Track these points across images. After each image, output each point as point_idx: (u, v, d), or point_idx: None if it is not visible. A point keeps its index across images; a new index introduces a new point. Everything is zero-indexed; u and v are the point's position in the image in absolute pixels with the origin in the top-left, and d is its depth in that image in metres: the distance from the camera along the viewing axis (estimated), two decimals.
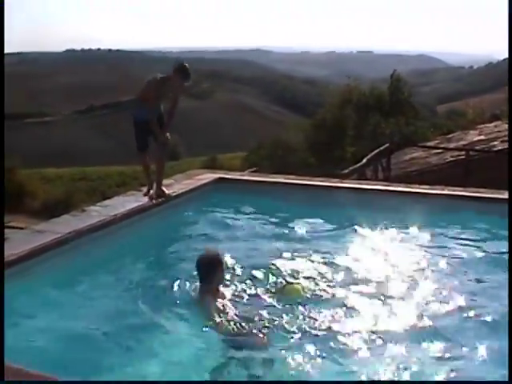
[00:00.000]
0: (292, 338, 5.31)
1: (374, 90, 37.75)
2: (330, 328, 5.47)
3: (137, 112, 9.15)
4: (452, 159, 17.26)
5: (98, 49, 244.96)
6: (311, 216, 9.04)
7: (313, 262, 7.20)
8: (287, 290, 6.11)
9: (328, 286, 6.41)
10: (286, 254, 7.47)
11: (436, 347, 5.18)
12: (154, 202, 9.02)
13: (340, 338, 5.29)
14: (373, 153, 18.27)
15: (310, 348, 5.09)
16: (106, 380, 4.34)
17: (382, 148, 18.49)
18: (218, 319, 5.39)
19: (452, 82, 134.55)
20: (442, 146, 20.10)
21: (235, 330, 5.32)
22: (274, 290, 6.12)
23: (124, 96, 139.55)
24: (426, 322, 5.61)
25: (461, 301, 6.01)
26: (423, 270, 6.89)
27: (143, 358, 5.06)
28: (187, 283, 6.28)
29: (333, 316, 5.67)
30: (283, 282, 6.33)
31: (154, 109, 8.91)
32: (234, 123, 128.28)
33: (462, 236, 8.08)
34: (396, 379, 4.78)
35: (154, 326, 5.53)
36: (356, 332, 5.40)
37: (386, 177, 17.29)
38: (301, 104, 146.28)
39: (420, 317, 5.71)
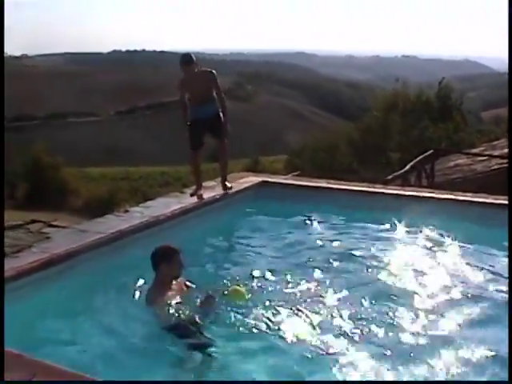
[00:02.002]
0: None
1: (422, 96, 37.40)
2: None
3: (191, 112, 9.22)
4: (497, 167, 16.96)
5: (143, 50, 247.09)
6: (354, 221, 8.96)
7: (354, 266, 7.17)
8: (230, 292, 6.04)
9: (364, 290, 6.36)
10: (326, 259, 7.44)
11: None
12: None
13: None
14: (417, 159, 18.08)
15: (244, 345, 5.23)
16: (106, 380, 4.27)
17: (426, 154, 18.27)
18: (158, 308, 5.70)
19: (497, 87, 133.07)
20: (487, 153, 19.79)
21: (173, 320, 5.56)
22: (224, 292, 6.10)
23: (168, 97, 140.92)
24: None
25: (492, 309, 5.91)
26: (460, 279, 6.76)
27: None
28: (222, 287, 6.29)
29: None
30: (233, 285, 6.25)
31: (206, 106, 9.09)
32: (277, 126, 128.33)
33: (506, 245, 7.90)
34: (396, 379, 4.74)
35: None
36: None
37: (429, 183, 17.08)
38: (344, 108, 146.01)
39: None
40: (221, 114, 9.22)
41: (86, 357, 5.00)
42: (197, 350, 5.19)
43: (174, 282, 6.12)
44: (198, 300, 5.94)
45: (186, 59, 9.07)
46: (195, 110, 9.14)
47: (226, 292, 6.07)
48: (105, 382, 4.10)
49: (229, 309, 5.84)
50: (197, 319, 5.58)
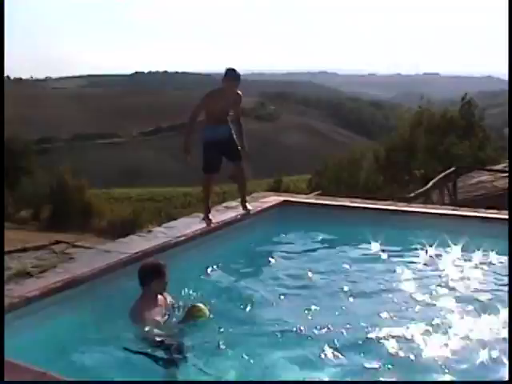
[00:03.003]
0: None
1: (447, 113, 37.31)
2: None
3: (204, 132, 9.13)
4: None
5: (165, 71, 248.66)
6: (376, 240, 8.93)
7: (378, 285, 7.15)
8: (193, 311, 6.04)
9: (393, 310, 6.30)
10: (349, 279, 7.45)
11: None
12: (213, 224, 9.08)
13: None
14: (439, 176, 18.04)
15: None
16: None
17: (448, 171, 18.23)
18: (145, 324, 5.74)
19: None
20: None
21: (153, 334, 5.64)
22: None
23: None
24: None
25: None
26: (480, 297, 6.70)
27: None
28: (242, 308, 6.39)
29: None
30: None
31: (220, 127, 9.00)
32: (300, 145, 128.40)
33: None
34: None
35: None
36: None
37: (452, 200, 17.01)
38: (367, 126, 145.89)
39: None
40: (234, 136, 9.20)
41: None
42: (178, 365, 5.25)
43: (159, 297, 6.19)
44: (179, 314, 6.12)
45: (236, 75, 8.95)
46: (212, 129, 8.96)
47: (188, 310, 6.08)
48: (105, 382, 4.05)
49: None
50: (179, 334, 5.71)
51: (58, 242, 8.76)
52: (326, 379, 5.01)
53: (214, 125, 8.97)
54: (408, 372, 5.04)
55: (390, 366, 5.09)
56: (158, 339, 5.56)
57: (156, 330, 5.71)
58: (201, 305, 6.12)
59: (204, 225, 8.82)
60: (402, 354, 5.33)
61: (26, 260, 8.20)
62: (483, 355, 5.17)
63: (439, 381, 4.80)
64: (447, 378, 4.86)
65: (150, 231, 8.72)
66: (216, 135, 8.93)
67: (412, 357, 5.26)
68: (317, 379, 5.06)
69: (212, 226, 8.84)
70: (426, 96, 41.57)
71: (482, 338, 5.56)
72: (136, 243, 7.77)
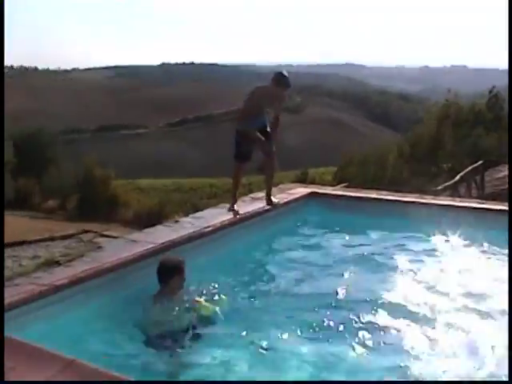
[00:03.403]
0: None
1: (475, 106, 37.03)
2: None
3: (240, 122, 9.15)
4: None
5: (192, 62, 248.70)
6: (403, 232, 8.90)
7: (403, 279, 7.11)
8: (200, 307, 5.98)
9: (417, 305, 6.28)
10: (377, 270, 7.46)
11: None
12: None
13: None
14: (466, 170, 17.94)
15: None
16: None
17: (475, 165, 18.12)
18: (154, 318, 5.77)
19: None
20: None
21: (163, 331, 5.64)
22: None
23: (217, 109, 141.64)
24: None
25: None
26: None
27: None
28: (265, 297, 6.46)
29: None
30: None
31: (257, 119, 8.93)
32: (326, 137, 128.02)
33: None
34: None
35: None
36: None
37: (479, 194, 16.93)
38: (394, 119, 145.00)
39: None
40: (268, 128, 9.21)
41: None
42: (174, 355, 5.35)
43: (176, 293, 6.18)
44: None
45: (286, 82, 8.98)
46: (249, 120, 8.97)
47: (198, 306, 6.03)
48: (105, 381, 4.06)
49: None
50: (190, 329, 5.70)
51: (85, 232, 8.83)
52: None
53: (251, 116, 8.98)
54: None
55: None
56: (160, 332, 5.61)
57: (161, 323, 5.73)
58: (202, 301, 6.07)
59: (231, 215, 8.83)
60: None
61: (54, 249, 8.28)
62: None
63: (439, 381, 4.75)
64: (447, 377, 4.82)
65: (176, 221, 8.74)
66: (251, 125, 8.93)
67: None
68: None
69: (239, 216, 8.84)
70: (453, 89, 41.25)
71: None
72: (163, 233, 7.79)
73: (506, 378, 4.51)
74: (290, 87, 9.03)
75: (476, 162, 18.47)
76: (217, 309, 6.00)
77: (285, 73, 9.00)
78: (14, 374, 4.03)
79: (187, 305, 6.08)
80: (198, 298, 6.08)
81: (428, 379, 4.84)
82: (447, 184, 17.46)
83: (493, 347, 5.21)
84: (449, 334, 5.60)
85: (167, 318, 5.77)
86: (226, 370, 5.06)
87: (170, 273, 6.13)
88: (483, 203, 10.01)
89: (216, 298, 6.30)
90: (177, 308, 5.96)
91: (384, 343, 5.47)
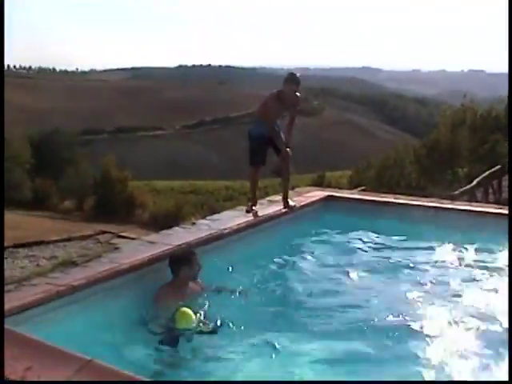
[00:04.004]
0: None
1: (492, 111, 36.84)
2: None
3: (254, 127, 9.15)
4: None
5: (209, 65, 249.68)
6: (421, 237, 8.86)
7: (421, 284, 7.05)
8: (178, 315, 5.77)
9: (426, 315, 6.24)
10: (391, 273, 7.45)
11: None
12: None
13: None
14: (483, 175, 17.86)
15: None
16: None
17: (492, 170, 18.04)
18: (159, 305, 5.99)
19: None
20: None
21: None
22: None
23: (233, 111, 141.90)
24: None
25: None
26: None
27: None
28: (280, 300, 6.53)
29: None
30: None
31: (272, 122, 8.91)
32: (343, 141, 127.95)
33: None
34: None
35: None
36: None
37: (496, 199, 16.85)
38: (411, 123, 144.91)
39: None
40: (281, 133, 9.18)
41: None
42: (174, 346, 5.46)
43: (190, 284, 6.37)
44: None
45: (296, 79, 8.91)
46: (264, 125, 8.96)
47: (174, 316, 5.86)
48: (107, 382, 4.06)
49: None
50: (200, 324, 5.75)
51: (103, 233, 8.85)
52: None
53: (266, 120, 8.95)
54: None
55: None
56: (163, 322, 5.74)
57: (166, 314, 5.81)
58: (186, 310, 5.82)
59: (248, 218, 8.83)
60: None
61: (72, 249, 8.31)
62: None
63: (439, 381, 4.74)
64: (447, 377, 4.80)
65: (193, 223, 8.74)
66: (266, 131, 8.93)
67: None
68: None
69: (257, 219, 8.85)
70: (470, 93, 41.05)
71: None
72: (180, 235, 7.79)
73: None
74: (299, 83, 8.99)
75: (493, 167, 18.37)
76: (195, 324, 5.74)
77: (294, 73, 9.03)
78: (30, 373, 4.03)
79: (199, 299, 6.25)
80: (184, 309, 5.84)
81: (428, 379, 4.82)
82: (464, 189, 17.39)
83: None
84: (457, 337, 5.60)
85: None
86: (228, 369, 5.15)
87: (179, 263, 6.33)
88: (500, 208, 9.94)
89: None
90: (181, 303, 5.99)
91: (398, 348, 5.45)
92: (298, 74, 8.99)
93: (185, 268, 6.31)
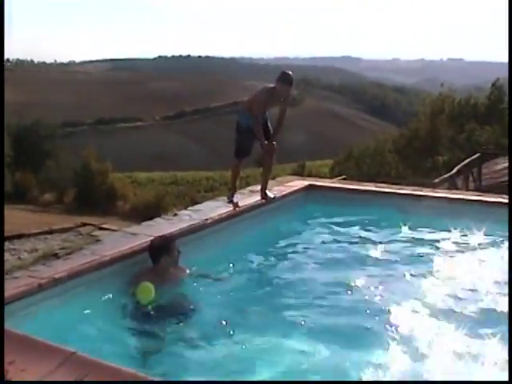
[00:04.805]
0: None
1: (470, 99, 37.05)
2: None
3: (242, 118, 9.09)
4: None
5: (188, 55, 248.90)
6: (402, 225, 8.92)
7: (400, 272, 7.13)
8: (140, 289, 6.05)
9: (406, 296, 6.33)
10: (373, 263, 7.50)
11: None
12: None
13: None
14: (463, 162, 17.97)
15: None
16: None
17: (472, 157, 18.17)
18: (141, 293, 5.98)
19: None
20: None
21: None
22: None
23: (214, 102, 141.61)
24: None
25: None
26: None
27: None
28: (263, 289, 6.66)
29: None
30: None
31: (259, 116, 8.88)
32: (323, 130, 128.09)
33: None
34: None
35: None
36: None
37: (476, 186, 16.98)
38: (391, 112, 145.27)
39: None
40: (270, 125, 9.19)
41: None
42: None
43: (171, 270, 6.51)
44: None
45: (289, 80, 8.86)
46: (255, 117, 8.84)
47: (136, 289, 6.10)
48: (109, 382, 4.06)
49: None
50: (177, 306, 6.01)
51: (84, 225, 8.83)
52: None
53: (254, 114, 8.86)
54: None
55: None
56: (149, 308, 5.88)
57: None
58: (145, 284, 6.07)
59: (229, 208, 8.84)
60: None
61: (53, 242, 8.28)
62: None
63: (439, 381, 4.75)
64: (447, 377, 4.80)
65: (175, 214, 8.73)
66: (249, 123, 8.88)
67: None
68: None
69: (238, 209, 8.85)
70: (449, 82, 41.22)
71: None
72: (162, 226, 7.78)
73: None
74: (292, 83, 8.97)
75: (472, 155, 18.50)
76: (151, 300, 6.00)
77: (289, 71, 8.97)
78: (13, 367, 4.02)
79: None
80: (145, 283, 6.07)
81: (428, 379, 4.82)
82: (444, 177, 17.48)
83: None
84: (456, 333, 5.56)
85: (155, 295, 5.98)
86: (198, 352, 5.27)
87: (158, 251, 6.46)
88: (481, 195, 10.02)
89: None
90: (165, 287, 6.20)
91: (384, 339, 5.44)
92: (290, 73, 8.91)
93: (164, 255, 6.42)
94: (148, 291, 5.98)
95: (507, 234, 7.83)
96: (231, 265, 7.20)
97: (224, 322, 5.67)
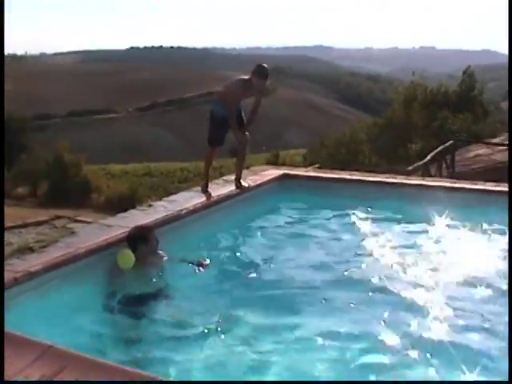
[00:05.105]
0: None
1: (441, 87, 37.24)
2: None
3: (216, 108, 9.04)
4: None
5: (160, 46, 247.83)
6: (376, 213, 8.99)
7: (377, 258, 7.20)
8: (120, 255, 6.41)
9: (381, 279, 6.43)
10: (349, 252, 7.60)
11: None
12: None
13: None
14: (437, 150, 18.06)
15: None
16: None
17: (446, 145, 18.27)
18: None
19: None
20: (507, 142, 19.73)
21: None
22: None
23: (187, 93, 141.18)
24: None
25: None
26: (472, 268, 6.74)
27: None
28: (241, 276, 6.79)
29: None
30: None
31: (234, 107, 8.88)
32: (297, 120, 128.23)
33: None
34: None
35: None
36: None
37: (450, 174, 17.10)
38: (364, 101, 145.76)
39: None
40: (243, 115, 9.17)
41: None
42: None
43: (151, 258, 6.60)
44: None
45: (265, 74, 8.79)
46: (229, 107, 8.81)
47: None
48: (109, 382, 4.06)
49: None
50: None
51: (58, 217, 8.78)
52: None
53: (230, 104, 8.81)
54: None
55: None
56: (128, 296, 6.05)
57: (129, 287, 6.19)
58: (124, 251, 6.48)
59: (204, 198, 8.85)
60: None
61: (27, 235, 8.23)
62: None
63: (439, 381, 4.76)
64: (447, 377, 4.80)
65: (150, 205, 8.72)
66: (223, 112, 8.86)
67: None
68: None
69: (213, 199, 8.87)
70: (422, 70, 41.38)
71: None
72: (137, 217, 7.77)
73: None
74: (268, 77, 8.94)
75: (445, 142, 18.60)
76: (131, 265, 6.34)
77: (264, 64, 8.93)
78: None
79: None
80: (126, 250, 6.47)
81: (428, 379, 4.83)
82: (418, 164, 17.57)
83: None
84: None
85: (135, 283, 6.23)
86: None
87: (136, 241, 6.58)
88: (454, 182, 10.11)
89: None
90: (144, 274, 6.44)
91: (350, 326, 5.51)
92: (266, 66, 8.83)
93: (142, 245, 6.53)
94: (128, 257, 6.34)
95: (476, 219, 7.95)
96: (206, 255, 7.20)
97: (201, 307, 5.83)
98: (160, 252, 6.74)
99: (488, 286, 6.20)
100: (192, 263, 6.77)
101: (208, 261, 6.88)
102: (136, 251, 6.47)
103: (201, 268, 6.71)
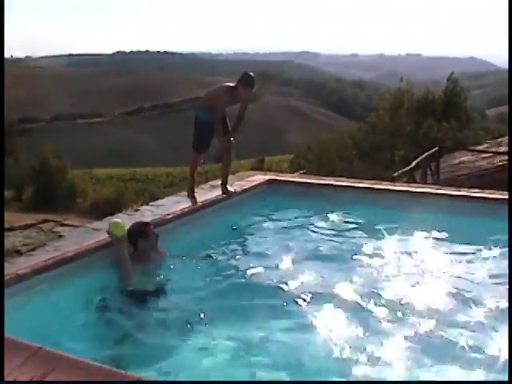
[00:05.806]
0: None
1: (428, 94, 37.46)
2: None
3: (201, 113, 9.04)
4: (501, 163, 17.06)
5: (147, 50, 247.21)
6: (361, 218, 9.05)
7: (362, 264, 7.25)
8: (113, 226, 6.85)
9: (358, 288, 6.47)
10: (334, 255, 7.65)
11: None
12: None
13: None
14: (422, 156, 18.18)
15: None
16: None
17: (431, 151, 18.40)
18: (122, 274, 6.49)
19: (502, 85, 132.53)
20: (492, 149, 19.91)
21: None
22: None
23: (173, 98, 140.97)
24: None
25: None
26: (456, 276, 6.84)
27: None
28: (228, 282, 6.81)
29: None
30: None
31: (218, 113, 8.91)
32: (283, 126, 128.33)
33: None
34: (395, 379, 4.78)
35: None
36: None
37: (434, 180, 17.22)
38: (350, 107, 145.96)
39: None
40: (228, 121, 9.20)
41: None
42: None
43: (152, 253, 6.88)
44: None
45: (251, 82, 8.78)
46: (211, 113, 8.82)
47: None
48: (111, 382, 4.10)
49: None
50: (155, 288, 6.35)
51: (45, 221, 8.80)
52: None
53: (213, 110, 8.86)
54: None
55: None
56: (129, 288, 6.30)
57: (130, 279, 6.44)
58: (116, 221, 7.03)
59: (191, 203, 8.89)
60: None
61: (15, 239, 8.24)
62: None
63: (439, 381, 4.80)
64: (447, 377, 4.84)
65: (137, 210, 8.77)
66: (212, 119, 8.87)
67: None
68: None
69: (199, 204, 8.91)
70: (408, 77, 41.57)
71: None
72: (124, 221, 7.78)
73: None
74: (254, 86, 8.96)
75: (429, 149, 18.73)
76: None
77: (251, 73, 8.96)
78: None
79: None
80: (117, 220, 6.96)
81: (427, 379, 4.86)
82: (403, 170, 17.67)
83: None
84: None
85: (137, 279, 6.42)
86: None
87: (135, 237, 6.79)
88: (439, 189, 10.19)
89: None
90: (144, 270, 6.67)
91: (339, 338, 5.51)
92: (252, 75, 8.83)
93: (141, 240, 6.77)
94: (119, 225, 6.81)
95: (461, 226, 8.03)
96: (193, 259, 7.25)
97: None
98: (160, 248, 6.99)
99: (472, 292, 6.32)
100: (190, 257, 7.17)
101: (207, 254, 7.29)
102: (136, 246, 6.73)
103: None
